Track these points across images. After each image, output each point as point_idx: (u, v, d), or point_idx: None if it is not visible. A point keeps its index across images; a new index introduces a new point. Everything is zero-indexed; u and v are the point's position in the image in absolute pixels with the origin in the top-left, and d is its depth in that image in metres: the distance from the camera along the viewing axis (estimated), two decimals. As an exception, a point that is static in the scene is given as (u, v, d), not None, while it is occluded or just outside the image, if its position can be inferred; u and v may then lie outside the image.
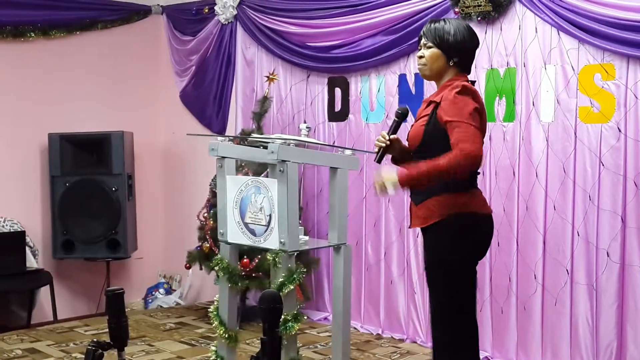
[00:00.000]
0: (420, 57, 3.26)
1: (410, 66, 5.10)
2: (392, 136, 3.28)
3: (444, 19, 3.30)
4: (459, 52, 3.21)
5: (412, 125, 3.34)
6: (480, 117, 3.14)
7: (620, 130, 4.23)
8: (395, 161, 3.39)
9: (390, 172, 3.07)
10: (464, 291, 3.23)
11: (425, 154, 3.12)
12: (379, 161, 3.31)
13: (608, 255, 4.29)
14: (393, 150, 3.32)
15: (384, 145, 3.28)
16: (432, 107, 3.18)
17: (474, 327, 3.29)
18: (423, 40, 3.26)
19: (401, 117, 3.33)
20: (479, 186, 3.19)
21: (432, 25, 3.25)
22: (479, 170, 3.22)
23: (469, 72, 3.29)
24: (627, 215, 4.23)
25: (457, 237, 3.16)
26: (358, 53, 5.35)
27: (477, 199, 3.25)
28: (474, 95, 3.14)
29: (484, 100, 3.34)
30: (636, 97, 4.18)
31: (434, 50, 3.21)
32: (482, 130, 3.18)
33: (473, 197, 3.23)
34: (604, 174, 4.29)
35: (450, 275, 3.18)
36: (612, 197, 4.28)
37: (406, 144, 3.35)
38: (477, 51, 3.36)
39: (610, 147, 4.27)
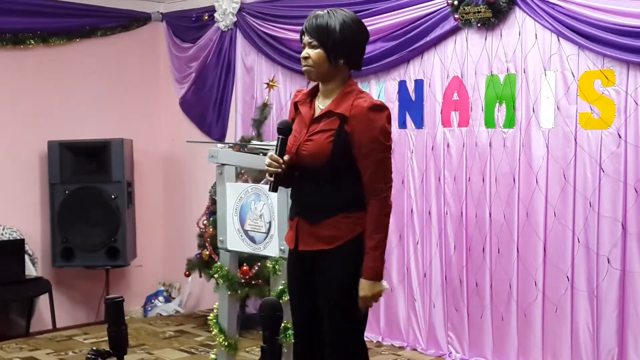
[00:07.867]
0: (306, 57, 2.85)
1: (410, 73, 5.10)
2: (285, 158, 2.80)
3: (328, 11, 2.86)
4: (349, 50, 2.84)
5: (305, 138, 2.86)
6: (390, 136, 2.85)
7: (620, 137, 4.23)
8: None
9: (366, 285, 2.81)
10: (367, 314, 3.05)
11: (326, 174, 2.81)
12: (275, 190, 2.85)
13: (609, 262, 4.28)
14: (283, 174, 2.82)
15: (279, 171, 2.79)
16: (339, 122, 2.79)
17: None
18: (307, 38, 2.85)
19: (286, 133, 2.84)
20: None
21: (316, 20, 2.85)
22: None
23: (359, 68, 2.95)
24: (628, 222, 4.22)
25: None
26: (358, 60, 5.33)
27: None
28: (387, 115, 2.83)
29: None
30: (636, 103, 4.18)
31: (320, 51, 2.82)
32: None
33: None
34: (604, 180, 4.29)
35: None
36: (612, 203, 4.27)
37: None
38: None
39: (611, 154, 4.26)
